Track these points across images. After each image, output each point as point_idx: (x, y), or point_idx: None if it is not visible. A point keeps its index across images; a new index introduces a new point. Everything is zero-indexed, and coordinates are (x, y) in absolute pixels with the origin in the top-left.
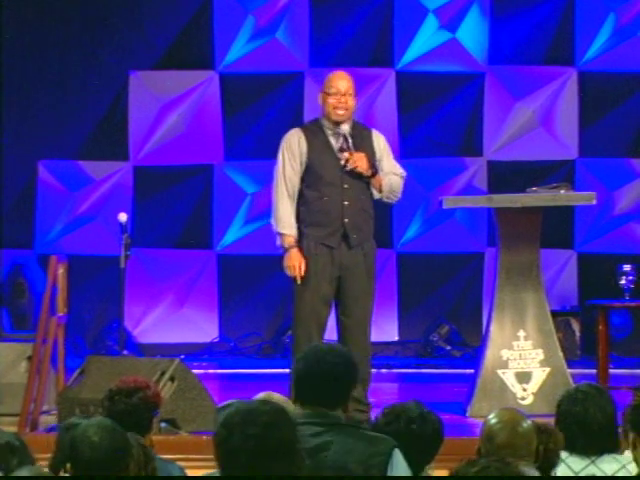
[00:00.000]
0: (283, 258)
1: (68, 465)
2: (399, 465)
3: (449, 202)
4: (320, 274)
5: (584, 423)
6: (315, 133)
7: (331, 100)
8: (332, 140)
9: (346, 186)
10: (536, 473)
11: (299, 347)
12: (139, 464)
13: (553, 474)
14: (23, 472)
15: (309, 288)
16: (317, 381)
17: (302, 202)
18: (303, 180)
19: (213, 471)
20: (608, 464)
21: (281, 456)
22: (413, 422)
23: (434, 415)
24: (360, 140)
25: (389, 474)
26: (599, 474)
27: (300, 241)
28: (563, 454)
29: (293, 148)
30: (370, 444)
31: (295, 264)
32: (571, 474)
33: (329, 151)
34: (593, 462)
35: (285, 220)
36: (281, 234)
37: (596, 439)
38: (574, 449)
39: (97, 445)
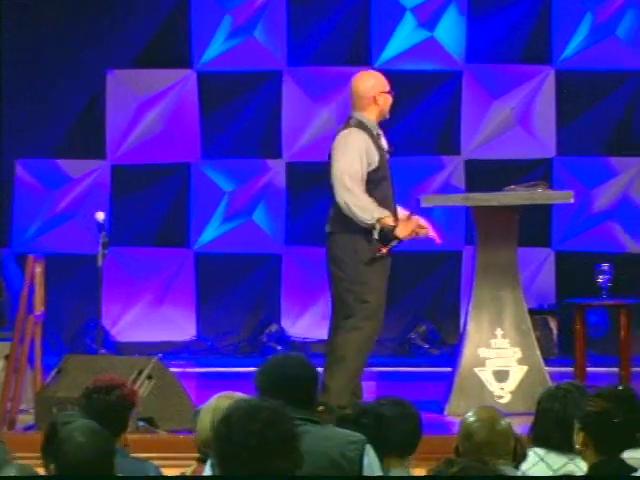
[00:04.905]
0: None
1: (52, 466)
2: (373, 459)
3: (427, 201)
4: (387, 271)
5: (563, 421)
6: (370, 134)
7: (391, 98)
8: (377, 140)
9: (392, 188)
10: (515, 472)
11: (373, 335)
12: None
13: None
14: (11, 471)
15: (383, 280)
16: (284, 393)
17: None
18: (368, 181)
19: (207, 467)
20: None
21: (281, 452)
22: (382, 417)
23: (411, 411)
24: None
25: (365, 465)
26: (578, 472)
27: (369, 235)
28: (541, 452)
29: (362, 149)
30: (344, 435)
31: (413, 228)
32: (550, 472)
33: (383, 152)
34: (572, 460)
35: (375, 207)
36: (380, 218)
37: (572, 436)
38: (553, 447)
39: (83, 447)
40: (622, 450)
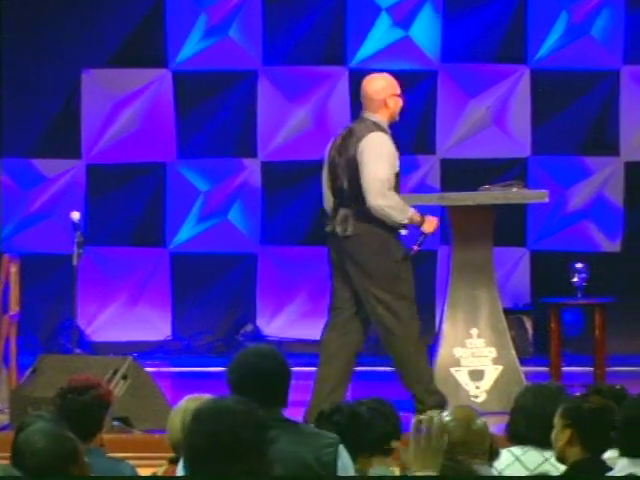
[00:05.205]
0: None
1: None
2: (346, 461)
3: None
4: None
5: (542, 420)
6: (390, 137)
7: (401, 101)
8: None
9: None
10: (491, 471)
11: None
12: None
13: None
14: None
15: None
16: (255, 389)
17: None
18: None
19: (179, 467)
20: None
21: (251, 454)
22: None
23: (388, 411)
24: None
25: (339, 467)
26: (554, 472)
27: (397, 233)
28: (517, 451)
29: (392, 154)
30: (317, 437)
31: (436, 223)
32: (526, 472)
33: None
34: (547, 460)
35: (406, 206)
36: (410, 217)
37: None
38: (531, 445)
39: (41, 452)
40: (606, 449)
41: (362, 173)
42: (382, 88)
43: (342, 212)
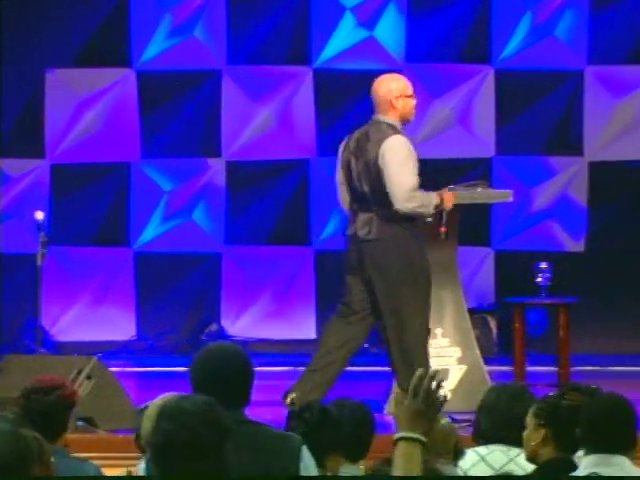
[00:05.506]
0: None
1: None
2: (308, 461)
3: None
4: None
5: (509, 419)
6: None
7: (413, 102)
8: None
9: None
10: (456, 471)
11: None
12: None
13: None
14: None
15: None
16: (218, 388)
17: None
18: None
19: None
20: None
21: (205, 456)
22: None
23: (361, 413)
24: None
25: (301, 470)
26: (518, 471)
27: (411, 237)
28: (482, 451)
29: (415, 158)
30: (279, 439)
31: (451, 197)
32: (491, 472)
33: None
34: (513, 459)
35: (429, 197)
36: (435, 203)
37: (518, 435)
38: (494, 445)
39: None
40: (578, 448)
41: (388, 180)
42: (389, 90)
43: (364, 216)
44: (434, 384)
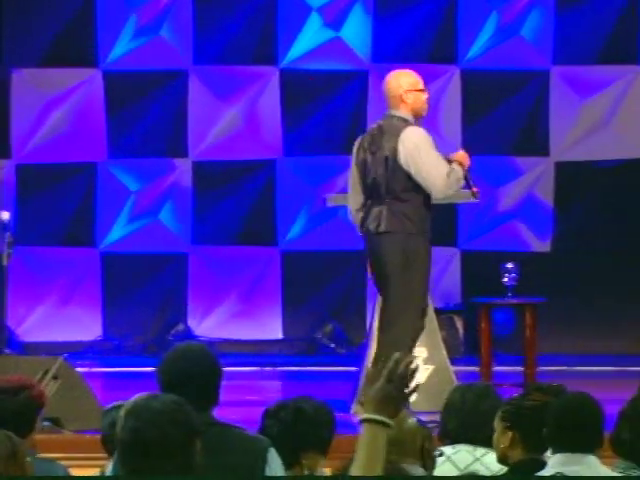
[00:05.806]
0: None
1: None
2: (276, 464)
3: (332, 200)
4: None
5: (476, 418)
6: None
7: (424, 96)
8: None
9: None
10: (421, 472)
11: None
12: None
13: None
14: None
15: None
16: (186, 389)
17: (418, 201)
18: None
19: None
20: (494, 460)
21: (173, 454)
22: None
23: (328, 410)
24: None
25: (268, 472)
26: (484, 471)
27: (417, 233)
28: (449, 450)
29: (431, 142)
30: (246, 442)
31: (464, 153)
32: (456, 471)
33: None
34: (478, 459)
35: (455, 175)
36: (459, 169)
37: (483, 435)
38: (460, 444)
39: None
40: (547, 448)
41: (419, 174)
42: (399, 85)
43: (376, 209)
44: (410, 371)
